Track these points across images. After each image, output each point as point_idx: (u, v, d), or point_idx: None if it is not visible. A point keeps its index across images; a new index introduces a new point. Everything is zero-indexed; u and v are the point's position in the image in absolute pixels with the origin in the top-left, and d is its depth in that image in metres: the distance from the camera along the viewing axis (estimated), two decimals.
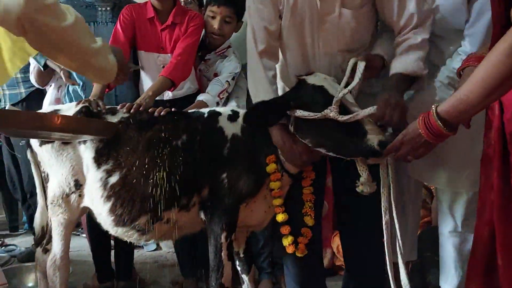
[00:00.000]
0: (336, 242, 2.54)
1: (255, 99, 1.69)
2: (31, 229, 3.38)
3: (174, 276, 2.71)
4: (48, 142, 1.80)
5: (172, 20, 2.24)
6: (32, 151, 1.92)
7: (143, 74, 2.36)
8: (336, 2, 1.59)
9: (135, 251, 2.75)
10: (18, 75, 3.10)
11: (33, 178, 2.39)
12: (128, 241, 1.85)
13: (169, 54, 2.26)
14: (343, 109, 1.50)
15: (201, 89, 2.38)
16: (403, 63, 1.57)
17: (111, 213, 1.74)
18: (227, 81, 2.31)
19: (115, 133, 1.77)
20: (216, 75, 2.39)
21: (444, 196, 1.81)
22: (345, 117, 1.47)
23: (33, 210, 2.57)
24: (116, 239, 2.45)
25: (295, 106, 1.55)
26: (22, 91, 3.16)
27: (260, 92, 1.67)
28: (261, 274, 2.52)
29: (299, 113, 1.53)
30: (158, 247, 3.31)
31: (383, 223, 1.52)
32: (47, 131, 1.44)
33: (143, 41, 2.27)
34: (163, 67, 2.25)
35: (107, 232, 2.37)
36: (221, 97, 2.27)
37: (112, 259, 2.52)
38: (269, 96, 1.63)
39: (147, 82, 2.32)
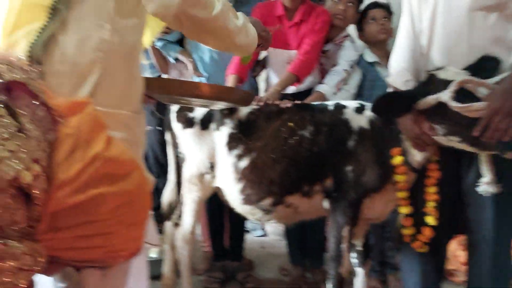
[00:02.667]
0: (453, 246, 2.46)
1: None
2: None
3: (281, 262, 2.83)
4: (189, 127, 2.00)
5: (300, 18, 2.33)
6: (172, 133, 2.15)
7: (269, 69, 2.49)
8: None
9: None
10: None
11: (157, 160, 2.67)
12: (252, 218, 1.99)
13: (295, 50, 2.36)
14: (468, 98, 1.44)
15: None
16: None
17: (240, 193, 1.90)
18: (344, 69, 2.32)
19: (246, 122, 1.92)
20: (334, 65, 2.41)
21: None
22: (457, 105, 1.41)
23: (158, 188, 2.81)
24: (231, 222, 2.66)
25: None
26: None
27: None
28: (370, 272, 2.53)
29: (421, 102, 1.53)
30: (265, 233, 3.47)
31: None
32: (196, 98, 1.59)
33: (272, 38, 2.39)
34: (289, 62, 2.36)
35: (222, 216, 2.61)
36: (339, 87, 2.30)
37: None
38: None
39: (273, 76, 2.45)
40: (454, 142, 1.54)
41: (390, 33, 2.42)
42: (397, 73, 1.70)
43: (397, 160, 1.72)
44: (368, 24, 2.45)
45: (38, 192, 0.83)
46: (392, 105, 1.58)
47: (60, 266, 1.00)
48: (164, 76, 2.72)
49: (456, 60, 1.60)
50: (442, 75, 1.54)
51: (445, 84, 1.50)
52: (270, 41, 1.58)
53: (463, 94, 1.45)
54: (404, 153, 1.72)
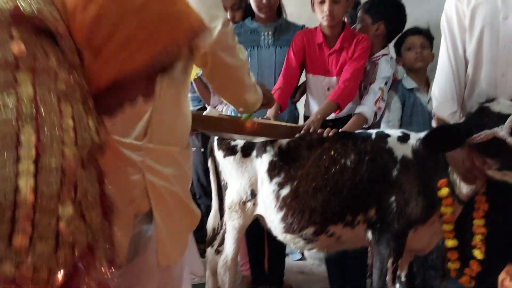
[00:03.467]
0: (502, 275, 2.36)
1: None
2: None
3: (320, 287, 2.80)
4: (231, 155, 2.04)
5: (340, 45, 2.34)
6: (214, 161, 2.19)
7: (309, 95, 2.51)
8: None
9: None
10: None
11: (199, 181, 2.71)
12: (294, 247, 2.01)
13: (335, 77, 2.37)
14: None
15: None
16: None
17: (282, 221, 1.91)
18: (380, 88, 2.31)
19: (287, 150, 1.94)
20: (371, 83, 2.40)
21: None
22: None
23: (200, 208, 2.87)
24: (270, 247, 2.67)
25: (476, 133, 1.51)
26: (191, 108, 3.56)
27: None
28: None
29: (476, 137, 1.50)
30: (303, 257, 3.45)
31: None
32: (237, 134, 1.64)
33: (312, 65, 2.42)
34: (328, 89, 2.38)
35: (262, 240, 2.62)
36: (379, 106, 2.28)
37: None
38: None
39: (313, 102, 2.47)
40: (509, 176, 1.54)
41: (428, 61, 2.40)
42: (443, 104, 1.68)
43: (444, 191, 1.70)
44: (406, 51, 2.44)
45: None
46: (444, 139, 1.57)
47: None
48: (208, 107, 2.80)
49: (504, 91, 1.59)
50: (496, 107, 1.52)
51: (499, 117, 1.49)
52: (273, 101, 1.64)
53: None
54: (450, 185, 1.70)
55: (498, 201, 1.70)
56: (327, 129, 1.98)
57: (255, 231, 2.57)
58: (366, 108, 2.25)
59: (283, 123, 1.99)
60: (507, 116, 1.47)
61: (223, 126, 1.59)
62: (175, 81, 1.22)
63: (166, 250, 1.21)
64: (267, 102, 1.56)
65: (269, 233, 2.55)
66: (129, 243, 1.14)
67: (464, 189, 1.70)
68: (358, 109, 2.26)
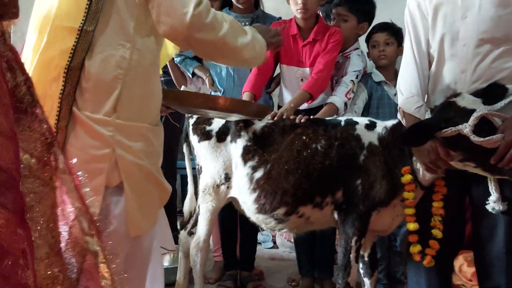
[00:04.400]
0: (459, 261, 2.50)
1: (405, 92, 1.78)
2: None
3: (290, 273, 2.89)
4: (206, 140, 2.10)
5: (313, 37, 2.43)
6: (189, 145, 2.25)
7: (282, 85, 2.59)
8: None
9: None
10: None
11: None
12: (265, 227, 2.07)
13: (308, 68, 2.46)
14: (488, 127, 1.53)
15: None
16: None
17: (255, 202, 1.98)
18: (351, 80, 2.42)
19: (261, 135, 2.02)
20: (343, 76, 2.49)
21: None
22: (478, 139, 1.50)
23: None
24: (242, 233, 2.74)
25: (445, 127, 1.59)
26: None
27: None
28: (378, 285, 2.58)
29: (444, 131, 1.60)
30: (275, 245, 3.54)
31: None
32: (213, 110, 1.68)
33: (286, 56, 2.50)
34: (302, 80, 2.46)
35: (234, 226, 2.69)
36: (349, 97, 2.38)
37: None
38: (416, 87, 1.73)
39: (286, 92, 2.55)
40: (469, 167, 1.63)
41: (392, 57, 2.50)
42: (408, 98, 1.76)
43: (407, 178, 1.80)
44: (371, 48, 2.56)
45: None
46: (418, 135, 1.64)
47: None
48: (182, 87, 2.83)
49: (464, 87, 1.69)
50: (461, 102, 1.61)
51: (464, 112, 1.57)
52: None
53: (481, 123, 1.53)
54: (413, 172, 1.81)
55: (456, 186, 1.81)
56: (299, 116, 2.07)
57: (228, 217, 2.65)
58: (337, 98, 2.35)
59: (254, 103, 2.06)
60: (471, 111, 1.56)
61: (196, 102, 1.63)
62: (145, 58, 1.27)
63: (136, 221, 1.27)
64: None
65: (241, 220, 2.65)
66: (99, 214, 1.17)
67: (426, 176, 1.80)
68: (330, 99, 2.36)
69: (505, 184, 1.66)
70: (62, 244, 0.76)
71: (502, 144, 1.48)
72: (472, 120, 1.52)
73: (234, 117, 1.84)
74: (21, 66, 0.79)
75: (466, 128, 1.52)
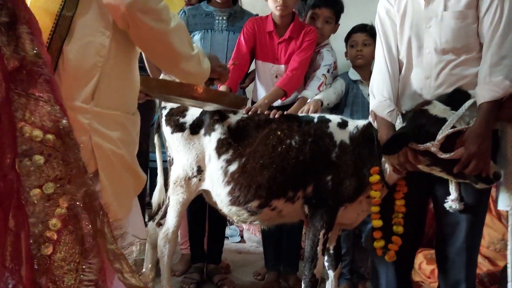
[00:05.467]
0: (419, 259, 2.61)
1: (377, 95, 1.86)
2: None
3: (256, 267, 2.93)
4: (179, 131, 2.10)
5: (289, 35, 2.46)
6: (160, 137, 2.24)
7: (257, 81, 2.62)
8: (439, 6, 1.73)
9: None
10: None
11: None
12: (237, 219, 2.09)
13: (283, 65, 2.50)
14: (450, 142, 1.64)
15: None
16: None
17: (229, 195, 2.00)
18: (323, 74, 2.48)
19: (235, 128, 2.04)
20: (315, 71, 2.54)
21: None
22: (444, 155, 1.63)
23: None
24: (210, 226, 2.75)
25: (419, 136, 1.69)
26: None
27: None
28: (341, 280, 2.65)
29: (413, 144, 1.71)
30: (242, 240, 3.57)
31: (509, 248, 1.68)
32: (187, 99, 1.68)
33: (261, 52, 2.52)
34: (276, 76, 2.50)
35: (203, 219, 2.70)
36: (321, 90, 2.44)
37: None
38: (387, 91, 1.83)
39: (261, 88, 2.58)
40: (435, 171, 1.75)
41: (369, 58, 2.55)
42: (381, 103, 1.84)
43: (375, 178, 1.88)
44: (349, 48, 2.62)
45: None
46: (395, 144, 1.73)
47: None
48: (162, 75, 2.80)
49: (429, 92, 1.80)
50: (432, 111, 1.70)
51: (436, 120, 1.67)
52: (227, 76, 1.63)
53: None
54: (381, 172, 1.89)
55: (418, 186, 1.91)
56: (273, 111, 2.10)
57: (197, 210, 2.65)
58: (310, 92, 2.40)
59: (232, 93, 2.09)
60: (442, 119, 1.66)
61: (173, 90, 1.62)
62: (123, 47, 1.26)
63: (111, 209, 1.25)
64: (218, 77, 1.60)
65: (210, 213, 2.66)
66: None
67: (392, 176, 1.89)
68: (303, 93, 2.40)
69: (464, 186, 1.77)
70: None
71: (464, 155, 1.62)
72: (438, 139, 1.64)
73: (210, 107, 1.86)
74: None
75: (433, 147, 1.64)
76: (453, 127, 1.64)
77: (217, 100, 1.72)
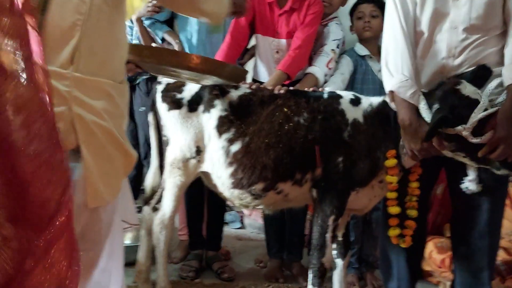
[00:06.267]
0: (429, 247, 2.48)
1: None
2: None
3: (257, 254, 2.80)
4: (176, 108, 1.93)
5: (290, 6, 2.26)
6: (156, 114, 2.06)
7: (257, 56, 2.44)
8: None
9: None
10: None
11: (147, 141, 2.56)
12: (239, 203, 1.95)
13: (285, 40, 2.31)
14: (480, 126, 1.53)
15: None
16: None
17: (231, 177, 1.85)
18: (332, 49, 2.30)
19: (238, 105, 1.87)
20: (322, 46, 2.36)
21: None
22: (475, 139, 1.53)
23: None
24: (209, 212, 2.61)
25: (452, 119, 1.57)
26: None
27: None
28: (348, 269, 2.52)
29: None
30: (242, 226, 3.44)
31: None
32: (183, 69, 1.54)
33: (261, 25, 2.33)
34: (277, 51, 2.31)
35: (201, 204, 2.55)
36: (330, 67, 2.27)
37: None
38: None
39: (261, 65, 2.40)
40: (459, 156, 1.63)
41: (377, 30, 2.36)
42: (402, 83, 1.65)
43: (392, 162, 1.74)
44: (356, 20, 2.43)
45: None
46: (435, 130, 1.59)
47: None
48: (153, 44, 2.64)
49: (448, 71, 1.67)
50: (464, 91, 1.58)
51: (469, 101, 1.56)
52: (245, 8, 1.50)
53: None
54: (398, 156, 1.74)
55: (426, 166, 1.78)
56: (278, 86, 1.94)
57: (195, 194, 2.50)
58: (318, 69, 2.22)
59: (231, 64, 1.90)
60: (474, 101, 1.54)
61: (167, 59, 1.48)
62: (107, 4, 1.10)
63: (96, 190, 1.10)
64: (236, 10, 1.45)
65: (209, 198, 2.51)
66: None
67: (409, 161, 1.75)
68: (310, 70, 2.23)
69: (484, 168, 1.66)
70: None
71: (492, 139, 1.52)
72: (472, 123, 1.53)
73: (208, 81, 1.68)
74: None
75: (465, 131, 1.54)
76: (485, 109, 1.52)
77: (215, 71, 1.55)
